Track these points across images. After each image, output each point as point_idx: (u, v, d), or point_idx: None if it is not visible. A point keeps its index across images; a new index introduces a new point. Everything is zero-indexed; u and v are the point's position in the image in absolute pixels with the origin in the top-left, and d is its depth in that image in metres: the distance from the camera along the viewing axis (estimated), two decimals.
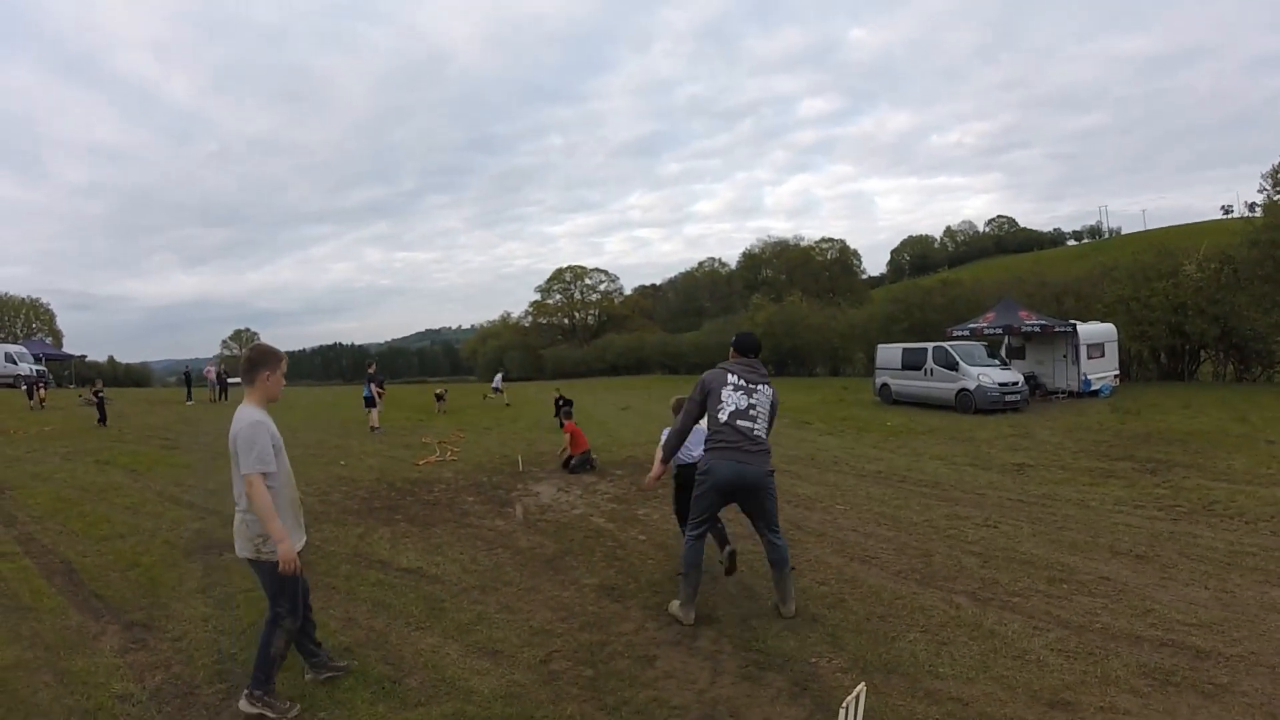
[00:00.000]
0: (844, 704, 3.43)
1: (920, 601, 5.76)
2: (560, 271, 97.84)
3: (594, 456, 12.78)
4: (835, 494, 9.91)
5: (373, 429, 18.86)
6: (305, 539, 4.40)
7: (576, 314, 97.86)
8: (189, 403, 31.25)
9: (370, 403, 19.66)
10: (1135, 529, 7.68)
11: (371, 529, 8.53)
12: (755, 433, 5.28)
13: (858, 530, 7.98)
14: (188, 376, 36.81)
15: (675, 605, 5.54)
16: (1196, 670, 4.44)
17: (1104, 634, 5.02)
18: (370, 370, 21.14)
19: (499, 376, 36.10)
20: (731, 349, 5.68)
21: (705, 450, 5.38)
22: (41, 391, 27.23)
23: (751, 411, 5.31)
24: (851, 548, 7.34)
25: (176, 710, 4.26)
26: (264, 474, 4.08)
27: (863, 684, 3.71)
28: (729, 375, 5.42)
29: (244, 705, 4.20)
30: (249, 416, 4.18)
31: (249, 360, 4.34)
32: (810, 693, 4.27)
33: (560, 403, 21.05)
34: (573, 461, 12.39)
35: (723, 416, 5.30)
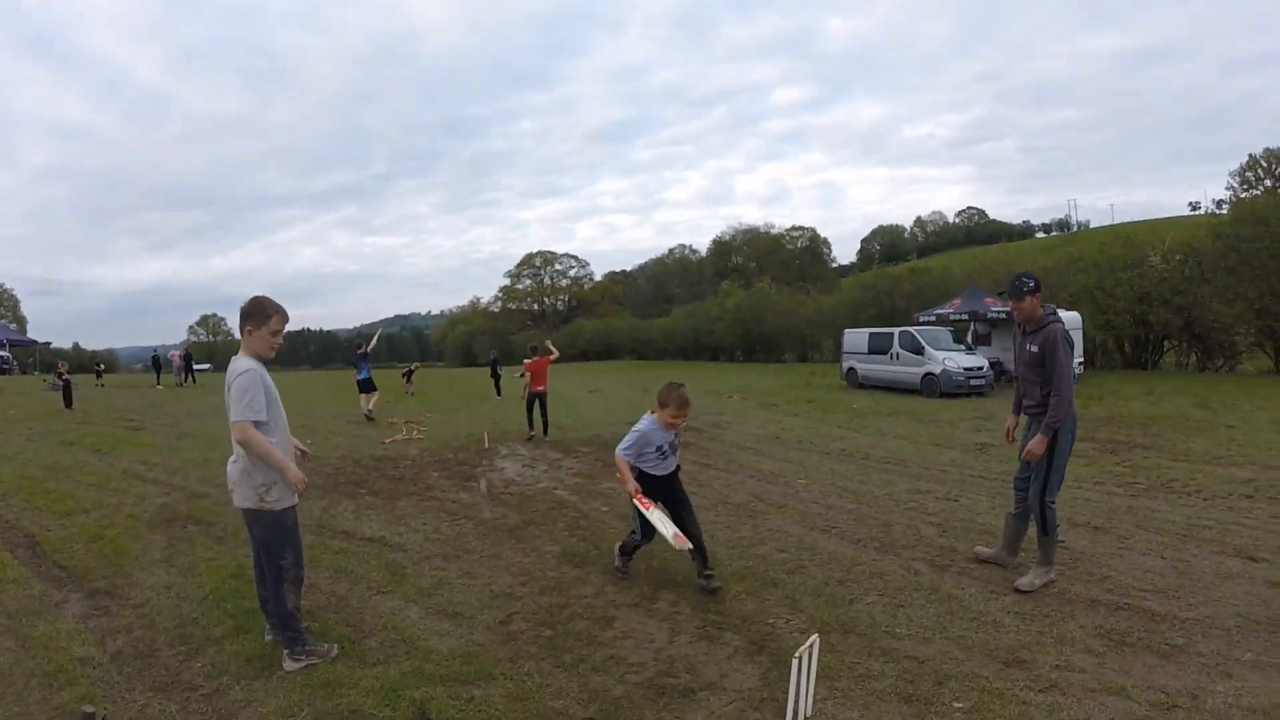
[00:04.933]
0: (797, 654, 3.43)
1: (879, 568, 5.80)
2: (530, 256, 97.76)
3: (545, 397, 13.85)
4: (798, 470, 9.96)
5: (368, 416, 17.19)
6: (296, 499, 4.37)
7: (546, 299, 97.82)
8: (157, 387, 30.94)
9: (367, 386, 17.79)
10: (1094, 503, 7.77)
11: (336, 502, 8.49)
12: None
13: (819, 503, 8.02)
14: (156, 361, 36.45)
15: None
16: (1152, 632, 4.49)
17: (1060, 599, 5.08)
18: (360, 350, 18.76)
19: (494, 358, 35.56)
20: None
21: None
22: None
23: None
24: (812, 518, 7.37)
25: (137, 671, 4.26)
26: (256, 423, 4.06)
27: (815, 635, 3.71)
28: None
29: (289, 665, 4.23)
30: (240, 366, 4.15)
31: (240, 313, 4.30)
32: (767, 651, 4.28)
33: (496, 361, 24.58)
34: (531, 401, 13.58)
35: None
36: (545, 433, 13.53)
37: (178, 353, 35.98)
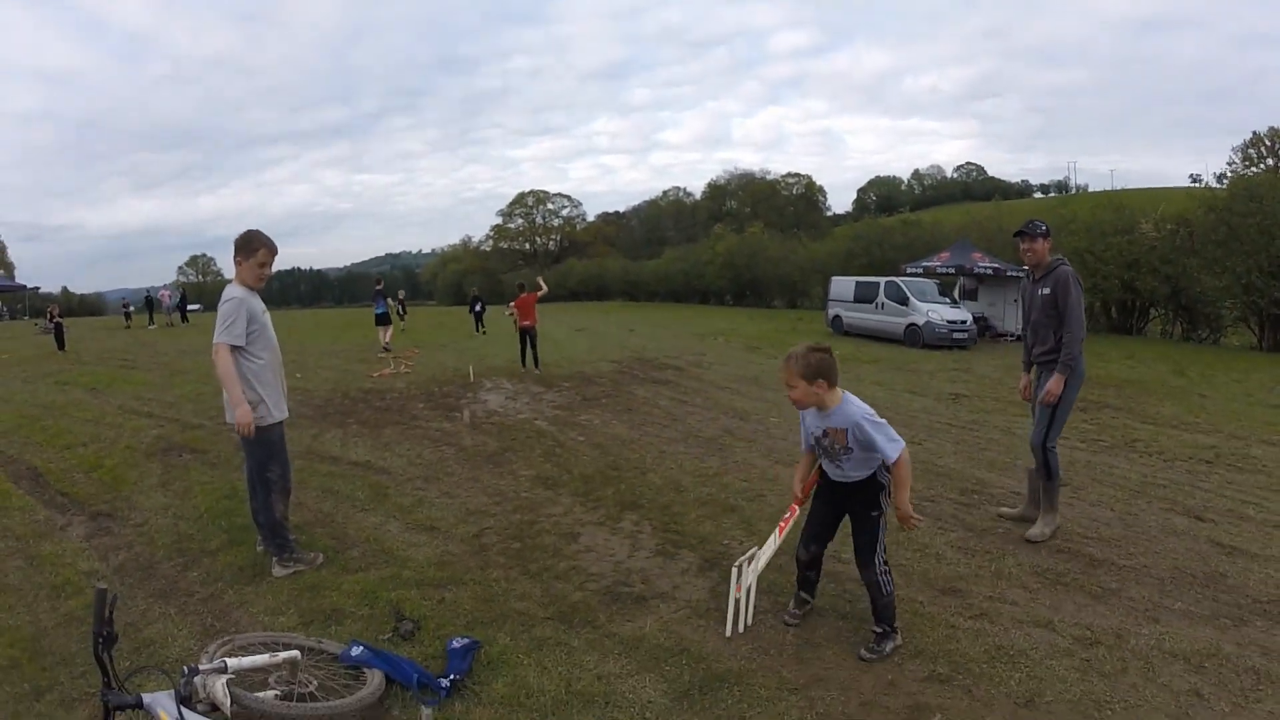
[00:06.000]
0: (736, 563, 3.71)
1: None
2: (523, 196, 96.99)
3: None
4: (771, 409, 10.24)
5: (385, 348, 18.45)
6: (287, 414, 4.68)
7: (538, 239, 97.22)
8: (150, 327, 30.96)
9: (384, 320, 19.32)
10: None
11: (324, 430, 8.79)
12: None
13: (787, 439, 8.29)
14: (149, 301, 36.39)
15: None
16: (1088, 575, 4.65)
17: (1004, 538, 5.30)
18: (379, 287, 20.46)
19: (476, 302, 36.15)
20: None
21: None
22: None
23: None
24: (778, 454, 7.66)
25: (138, 581, 4.57)
26: (235, 347, 4.30)
27: (755, 547, 3.99)
28: None
29: (277, 571, 4.56)
30: (227, 294, 4.44)
31: (234, 245, 4.53)
32: (719, 568, 4.56)
33: (477, 299, 25.53)
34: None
35: None
36: (537, 366, 13.88)
37: (167, 291, 35.84)
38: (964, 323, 20.59)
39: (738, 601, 3.78)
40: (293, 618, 3.99)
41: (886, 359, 17.37)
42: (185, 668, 2.58)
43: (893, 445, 3.52)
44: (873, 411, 3.59)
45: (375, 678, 3.25)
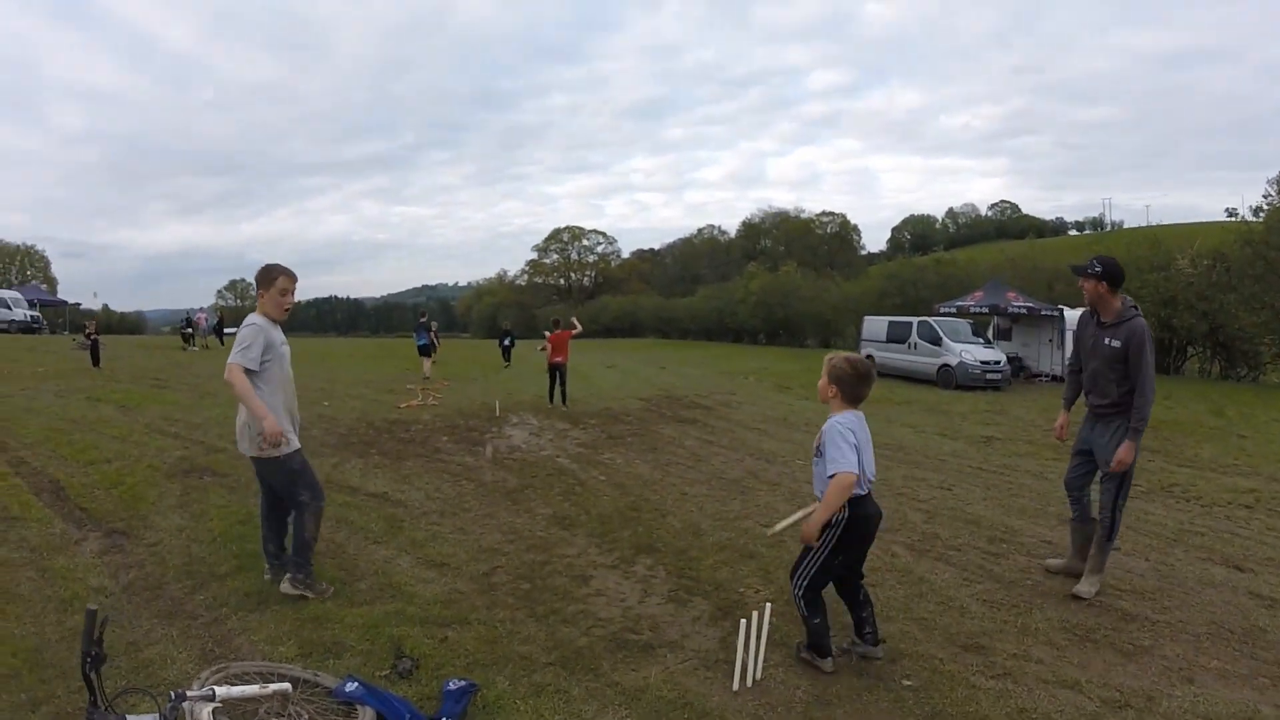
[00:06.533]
0: (747, 618, 3.59)
1: None
2: (558, 231, 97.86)
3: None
4: (798, 451, 10.08)
5: (425, 378, 19.04)
6: (298, 445, 4.71)
7: (573, 274, 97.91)
8: (191, 349, 30.91)
9: (425, 351, 20.15)
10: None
11: (345, 460, 8.80)
12: None
13: (811, 484, 8.13)
14: (188, 322, 35.72)
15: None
16: (1119, 631, 4.47)
17: (1033, 591, 5.11)
18: (424, 319, 21.37)
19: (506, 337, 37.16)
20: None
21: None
22: None
23: None
24: (802, 498, 7.47)
25: (145, 601, 4.58)
26: (248, 370, 4.35)
27: (768, 603, 3.86)
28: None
29: (286, 588, 4.64)
30: (249, 321, 4.55)
31: (254, 279, 4.73)
32: (732, 617, 4.41)
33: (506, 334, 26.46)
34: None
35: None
36: (564, 403, 13.88)
37: (204, 314, 36.24)
38: (998, 363, 20.35)
39: (745, 653, 3.65)
40: (292, 648, 3.98)
41: (918, 400, 17.17)
42: (173, 693, 2.58)
43: (835, 462, 3.61)
44: (851, 430, 3.69)
45: (367, 716, 3.20)
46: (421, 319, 21.43)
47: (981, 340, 22.09)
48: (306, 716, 3.19)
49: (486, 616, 4.43)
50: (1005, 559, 5.83)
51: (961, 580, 5.31)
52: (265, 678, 3.25)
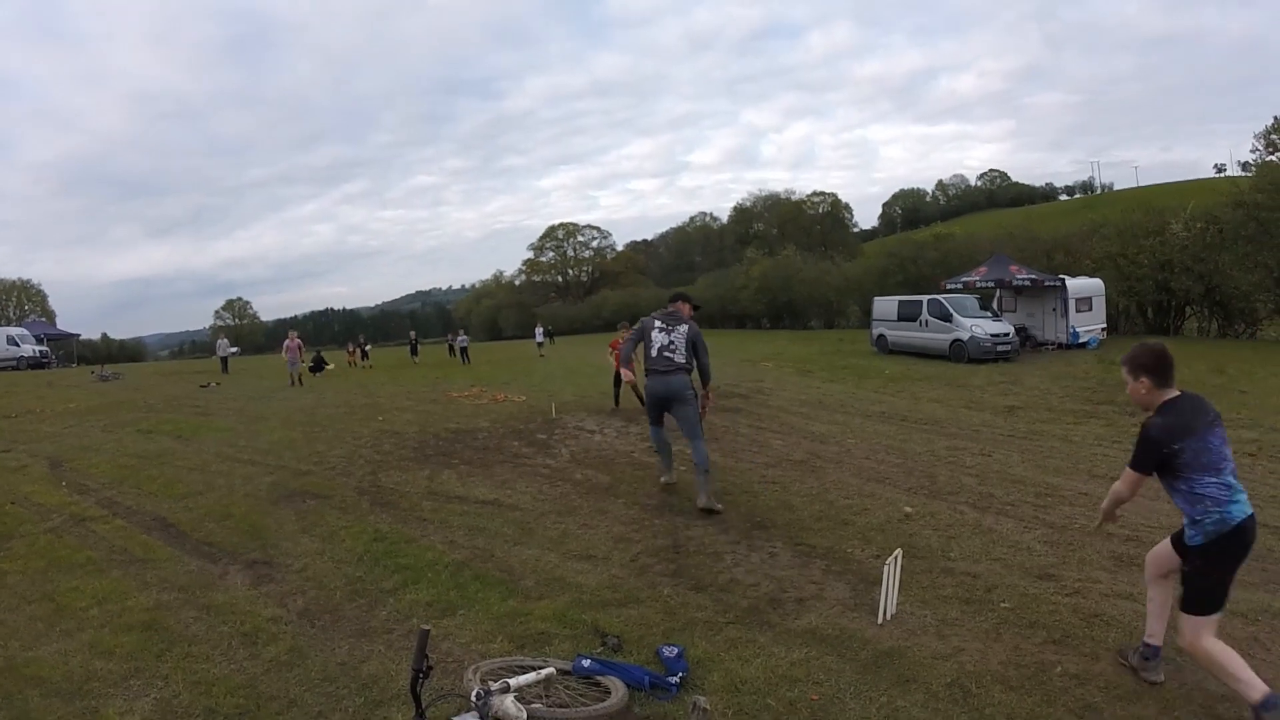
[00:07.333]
0: (885, 563, 4.61)
1: (929, 509, 6.98)
2: (553, 229, 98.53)
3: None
4: (845, 431, 11.10)
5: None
6: None
7: (570, 271, 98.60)
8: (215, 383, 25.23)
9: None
10: (1111, 459, 8.85)
11: (436, 471, 9.15)
12: (673, 360, 7.25)
13: (870, 459, 9.16)
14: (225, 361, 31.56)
15: (661, 477, 8.11)
16: None
17: (1080, 533, 6.23)
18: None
19: (540, 330, 40.09)
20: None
21: (647, 375, 7.39)
22: None
23: (671, 345, 7.28)
24: (866, 471, 8.52)
25: (329, 624, 4.86)
26: None
27: (899, 550, 4.88)
28: (655, 322, 7.45)
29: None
30: None
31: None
32: (851, 571, 5.49)
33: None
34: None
35: (653, 351, 7.31)
36: (616, 404, 14.44)
37: (295, 342, 25.47)
38: (1007, 335, 21.37)
39: (884, 596, 4.67)
40: (504, 643, 4.43)
41: (937, 376, 18.17)
42: (476, 691, 2.83)
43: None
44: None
45: (617, 685, 3.75)
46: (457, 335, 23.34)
47: (989, 314, 23.09)
48: (565, 694, 3.66)
49: (653, 595, 5.16)
50: (1053, 509, 6.92)
51: (1022, 528, 6.40)
52: (510, 670, 3.62)
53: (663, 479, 8.07)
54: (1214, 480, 3.53)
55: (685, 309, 7.56)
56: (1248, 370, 16.94)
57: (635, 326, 7.76)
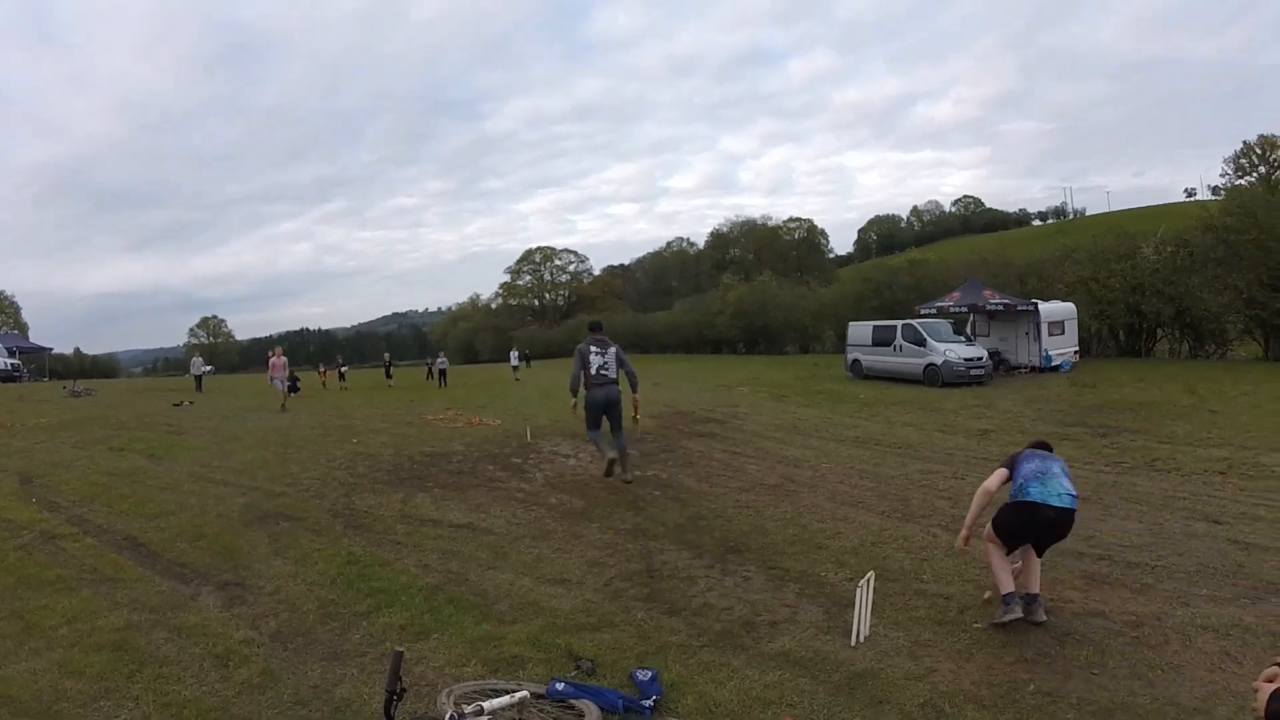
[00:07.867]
0: (859, 585, 4.62)
1: (903, 532, 7.03)
2: (530, 253, 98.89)
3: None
4: (820, 455, 11.13)
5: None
6: None
7: (546, 295, 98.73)
8: (191, 401, 25.46)
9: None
10: (1083, 480, 8.83)
11: (410, 495, 9.07)
12: (608, 375, 9.32)
13: (844, 483, 9.21)
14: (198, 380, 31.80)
15: (603, 458, 9.58)
16: (1127, 575, 5.76)
17: (1053, 552, 6.04)
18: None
19: (515, 354, 40.86)
20: (588, 330, 9.91)
21: (588, 389, 9.35)
22: None
23: (605, 364, 9.32)
24: (841, 495, 8.56)
25: (303, 646, 4.81)
26: None
27: (871, 572, 4.89)
28: (591, 347, 9.40)
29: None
30: None
31: None
32: (824, 594, 5.50)
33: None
34: None
35: (593, 370, 9.28)
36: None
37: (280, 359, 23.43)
38: (980, 359, 21.59)
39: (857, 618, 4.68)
40: (477, 667, 4.39)
41: (910, 400, 18.29)
42: (450, 714, 2.89)
43: None
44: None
45: (591, 708, 3.72)
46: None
47: (963, 338, 23.31)
48: (539, 717, 3.65)
49: (627, 618, 5.16)
50: None
51: None
52: (484, 694, 3.61)
53: (608, 455, 9.48)
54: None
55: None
56: (1218, 390, 17.20)
57: (575, 355, 9.61)
